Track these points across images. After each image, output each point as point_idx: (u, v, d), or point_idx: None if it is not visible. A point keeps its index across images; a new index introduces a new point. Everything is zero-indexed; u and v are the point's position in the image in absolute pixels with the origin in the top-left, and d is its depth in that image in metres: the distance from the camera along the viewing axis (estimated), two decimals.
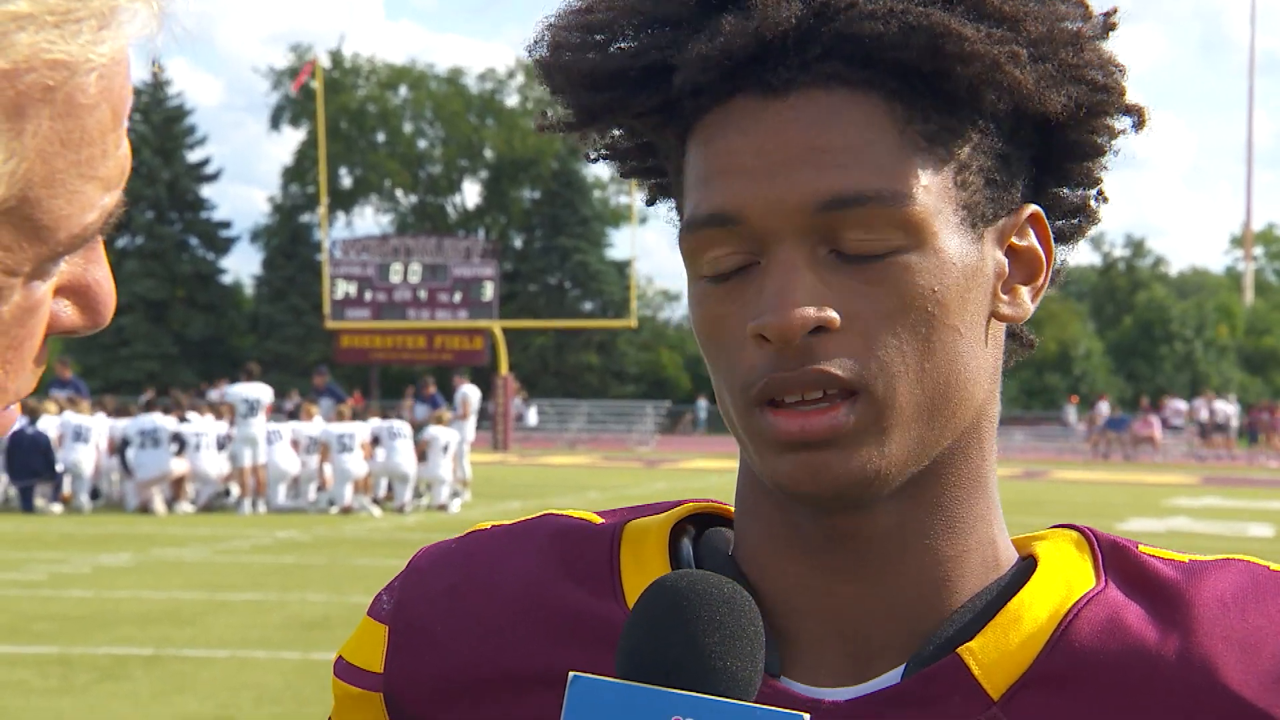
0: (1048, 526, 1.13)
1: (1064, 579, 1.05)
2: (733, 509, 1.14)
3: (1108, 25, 1.07)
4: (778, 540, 1.06)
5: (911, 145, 0.99)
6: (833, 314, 0.97)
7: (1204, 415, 45.83)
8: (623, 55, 1.03)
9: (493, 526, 1.15)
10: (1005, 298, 1.05)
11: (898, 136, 0.98)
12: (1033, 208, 1.06)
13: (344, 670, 1.14)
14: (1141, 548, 1.08)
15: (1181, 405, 46.99)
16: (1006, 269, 1.05)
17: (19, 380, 0.71)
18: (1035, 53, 1.00)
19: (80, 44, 0.65)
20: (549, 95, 1.08)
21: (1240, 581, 1.04)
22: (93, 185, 0.68)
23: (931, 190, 0.99)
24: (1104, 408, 44.68)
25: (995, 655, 1.02)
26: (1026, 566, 1.07)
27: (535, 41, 1.07)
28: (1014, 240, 1.05)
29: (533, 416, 48.64)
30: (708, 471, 29.87)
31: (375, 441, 21.37)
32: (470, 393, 25.60)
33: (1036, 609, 1.03)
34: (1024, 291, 1.06)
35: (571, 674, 0.86)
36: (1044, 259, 1.07)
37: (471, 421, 25.18)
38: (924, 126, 0.99)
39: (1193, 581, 1.04)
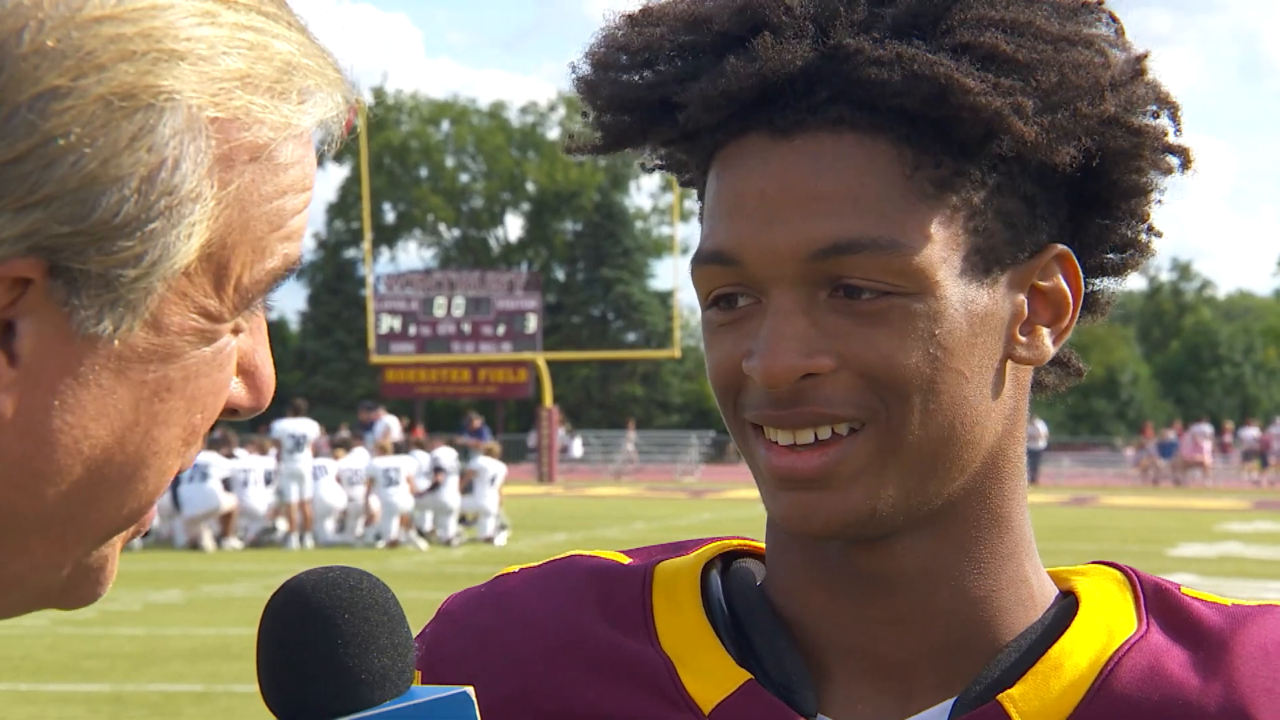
0: (1091, 560, 1.11)
1: (1105, 623, 1.04)
2: (759, 544, 1.14)
3: (1138, 70, 1.05)
4: (807, 577, 1.06)
5: (918, 191, 0.98)
6: (823, 361, 0.97)
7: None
8: (644, 85, 1.03)
9: (521, 569, 1.15)
10: (1023, 339, 1.03)
11: (903, 182, 0.98)
12: (1059, 248, 1.04)
13: None
14: (1184, 589, 1.07)
15: (1207, 429, 46.60)
16: (1026, 311, 1.03)
17: (198, 438, 0.75)
18: (1045, 103, 0.99)
19: (287, 110, 0.72)
20: (585, 114, 1.08)
21: None
22: (277, 236, 0.73)
23: (936, 238, 0.98)
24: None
25: (1036, 704, 1.01)
26: (1068, 605, 1.06)
27: (583, 56, 1.08)
28: (1037, 281, 1.04)
29: (577, 448, 48.64)
30: (753, 501, 29.46)
31: (438, 470, 21.34)
32: (391, 423, 24.79)
33: (1078, 656, 1.02)
34: (1045, 333, 1.04)
35: None
36: (1070, 300, 1.05)
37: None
38: (934, 172, 0.98)
39: (1236, 629, 1.03)
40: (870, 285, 0.97)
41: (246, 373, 0.77)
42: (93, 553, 0.74)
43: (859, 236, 0.97)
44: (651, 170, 1.13)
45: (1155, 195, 1.08)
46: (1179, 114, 1.07)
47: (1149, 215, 1.09)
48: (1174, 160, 1.07)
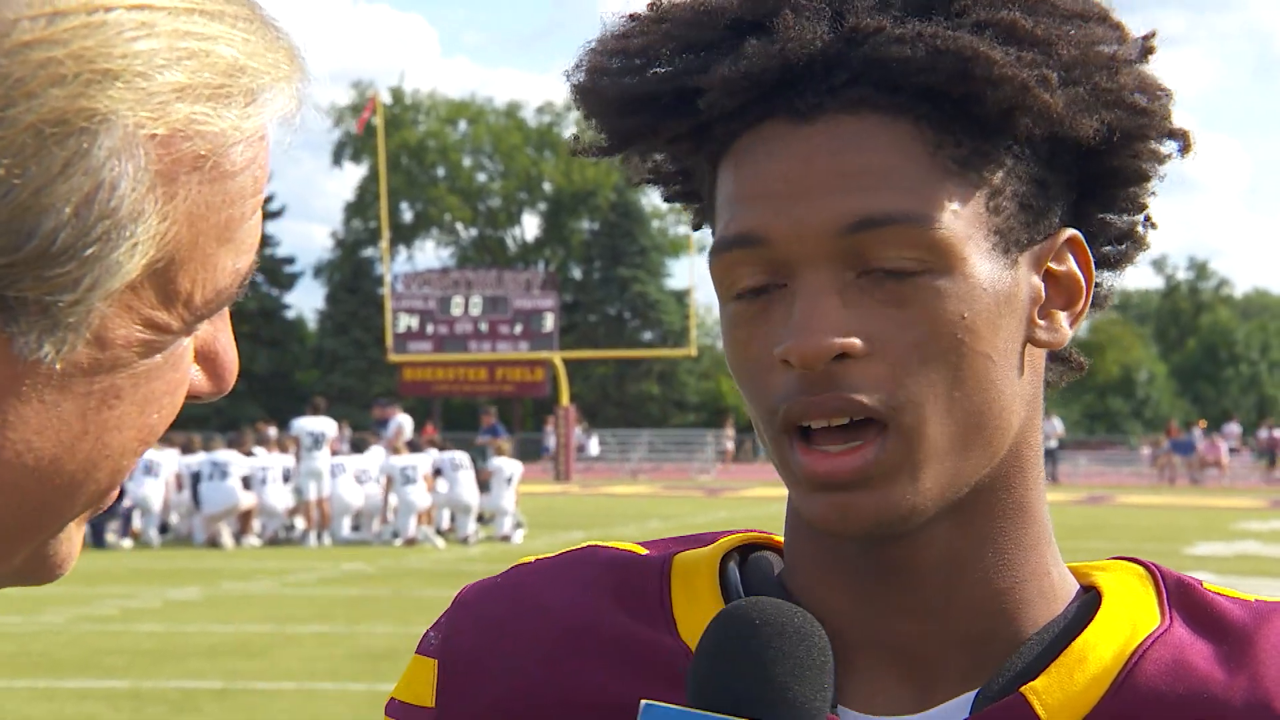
0: (1108, 557, 1.12)
1: (1129, 617, 1.04)
2: (778, 537, 1.14)
3: (1146, 49, 1.06)
4: (828, 569, 1.06)
5: (942, 169, 0.98)
6: (857, 341, 0.97)
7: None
8: (654, 79, 1.03)
9: (537, 560, 1.15)
10: (1042, 323, 1.04)
11: (928, 160, 0.98)
12: (1070, 232, 1.05)
13: (396, 710, 1.13)
14: (1206, 585, 1.07)
15: (1235, 428, 46.50)
16: (1043, 294, 1.04)
17: (155, 437, 0.74)
18: (1067, 76, 1.00)
19: (231, 117, 0.70)
20: (585, 120, 1.09)
21: None
22: (228, 250, 0.72)
23: (961, 214, 0.98)
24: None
25: (1060, 696, 1.01)
26: (1090, 600, 1.07)
27: (574, 66, 1.08)
28: (1051, 265, 1.04)
29: (594, 447, 48.58)
30: (769, 499, 29.71)
31: (437, 473, 21.44)
32: (404, 422, 24.33)
33: (1101, 649, 1.03)
34: (1061, 317, 1.05)
35: (643, 701, 0.86)
36: (1083, 284, 1.05)
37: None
38: (955, 151, 0.99)
39: (1261, 624, 1.04)
40: (899, 262, 0.97)
41: (207, 359, 0.76)
42: (48, 543, 0.73)
43: (889, 210, 0.97)
44: (638, 184, 1.13)
45: (1153, 184, 1.09)
46: (1172, 98, 1.07)
47: (1146, 205, 1.10)
48: (1173, 145, 1.07)
